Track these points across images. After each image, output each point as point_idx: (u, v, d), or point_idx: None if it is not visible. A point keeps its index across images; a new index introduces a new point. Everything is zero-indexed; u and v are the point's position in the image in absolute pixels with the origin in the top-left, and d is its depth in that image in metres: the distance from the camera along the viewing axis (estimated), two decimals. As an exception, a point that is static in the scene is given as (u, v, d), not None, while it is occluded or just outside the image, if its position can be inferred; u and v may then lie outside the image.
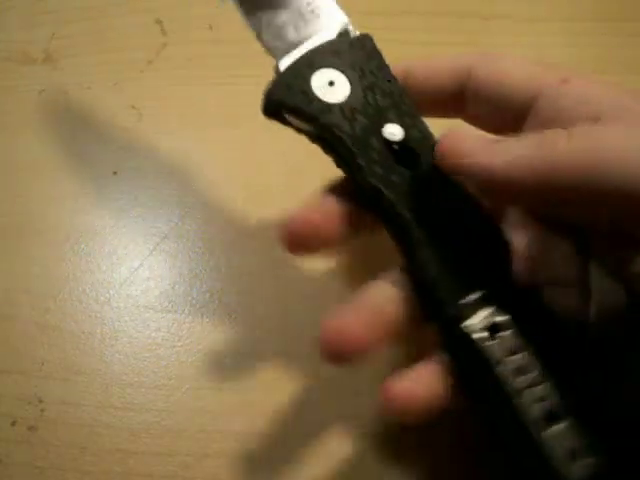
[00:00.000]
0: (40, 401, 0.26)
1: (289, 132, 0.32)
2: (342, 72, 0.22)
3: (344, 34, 0.23)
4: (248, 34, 0.24)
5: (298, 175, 0.31)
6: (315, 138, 0.23)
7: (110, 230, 0.30)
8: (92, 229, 0.30)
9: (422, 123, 0.22)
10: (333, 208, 0.21)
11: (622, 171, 0.17)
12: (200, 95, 0.34)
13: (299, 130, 0.23)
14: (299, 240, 0.21)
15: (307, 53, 0.23)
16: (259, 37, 0.24)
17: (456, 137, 0.20)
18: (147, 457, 0.25)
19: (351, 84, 0.22)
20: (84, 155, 0.32)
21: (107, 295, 0.29)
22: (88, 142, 0.33)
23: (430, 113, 0.23)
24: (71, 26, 0.37)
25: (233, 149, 0.33)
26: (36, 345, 0.27)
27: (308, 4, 0.24)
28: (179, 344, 0.28)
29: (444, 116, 0.24)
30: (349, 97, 0.22)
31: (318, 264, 0.29)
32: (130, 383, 0.27)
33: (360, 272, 0.29)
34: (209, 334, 0.28)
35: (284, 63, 0.23)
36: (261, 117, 0.33)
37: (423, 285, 0.21)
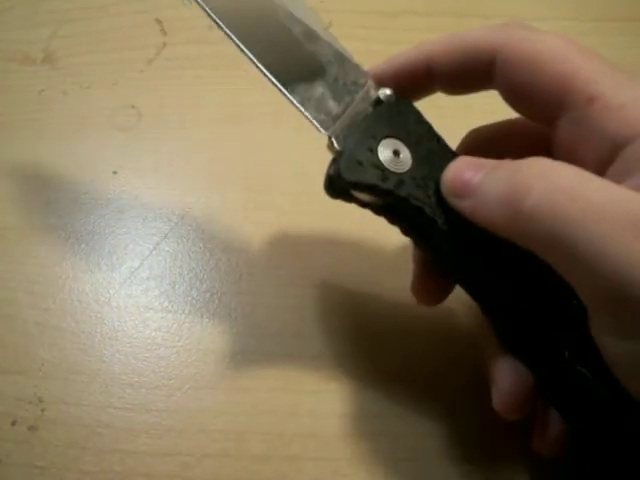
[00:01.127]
0: (40, 401, 0.26)
1: (289, 133, 0.32)
2: (400, 140, 0.21)
3: (381, 99, 0.22)
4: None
5: (299, 174, 0.31)
6: (383, 210, 0.22)
7: (110, 230, 0.30)
8: (92, 229, 0.30)
9: None
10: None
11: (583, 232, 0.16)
12: (200, 95, 0.35)
13: (364, 205, 0.22)
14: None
15: (361, 124, 0.21)
16: (302, 111, 0.22)
17: (455, 172, 0.20)
18: (147, 457, 0.25)
19: (410, 151, 0.21)
20: (84, 155, 0.33)
21: (107, 295, 0.29)
22: (88, 142, 0.33)
23: (457, 92, 0.23)
24: (71, 26, 0.37)
25: (233, 149, 0.33)
26: (36, 345, 0.27)
27: (339, 71, 0.22)
28: (179, 344, 0.28)
29: (473, 91, 0.23)
30: (413, 164, 0.21)
31: (317, 263, 0.29)
32: (130, 383, 0.27)
33: (356, 266, 0.29)
34: (209, 334, 0.28)
35: (339, 137, 0.21)
36: (261, 117, 0.33)
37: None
